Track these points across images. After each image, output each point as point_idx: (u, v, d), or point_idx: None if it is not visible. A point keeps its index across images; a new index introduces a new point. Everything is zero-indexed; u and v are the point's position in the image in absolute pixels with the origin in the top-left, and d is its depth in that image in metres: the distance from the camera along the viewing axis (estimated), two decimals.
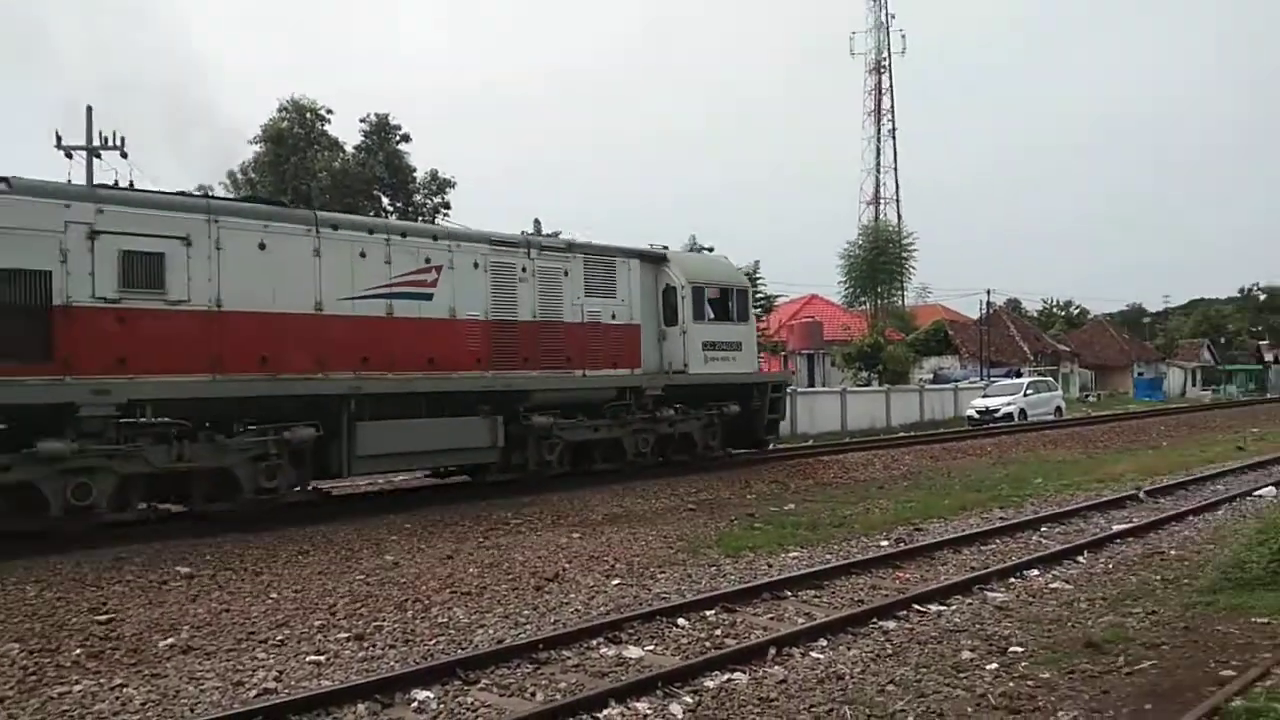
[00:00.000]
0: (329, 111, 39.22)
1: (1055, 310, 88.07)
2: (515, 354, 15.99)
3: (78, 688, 6.63)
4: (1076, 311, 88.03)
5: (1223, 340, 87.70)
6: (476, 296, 15.57)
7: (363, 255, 14.21)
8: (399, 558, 11.04)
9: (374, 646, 7.66)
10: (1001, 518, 13.75)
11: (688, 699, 6.38)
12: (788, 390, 25.31)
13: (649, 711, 6.18)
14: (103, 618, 8.44)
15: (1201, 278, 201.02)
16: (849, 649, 7.50)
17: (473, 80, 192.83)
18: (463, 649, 7.52)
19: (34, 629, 8.12)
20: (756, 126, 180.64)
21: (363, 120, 39.70)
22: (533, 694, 6.53)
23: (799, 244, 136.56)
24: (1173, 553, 11.08)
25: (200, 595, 9.31)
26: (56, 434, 11.25)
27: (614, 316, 17.62)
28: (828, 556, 11.10)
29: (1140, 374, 68.11)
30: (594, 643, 7.63)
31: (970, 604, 8.91)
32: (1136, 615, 8.31)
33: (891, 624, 8.20)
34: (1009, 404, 35.84)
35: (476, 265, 15.61)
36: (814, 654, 7.37)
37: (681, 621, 8.25)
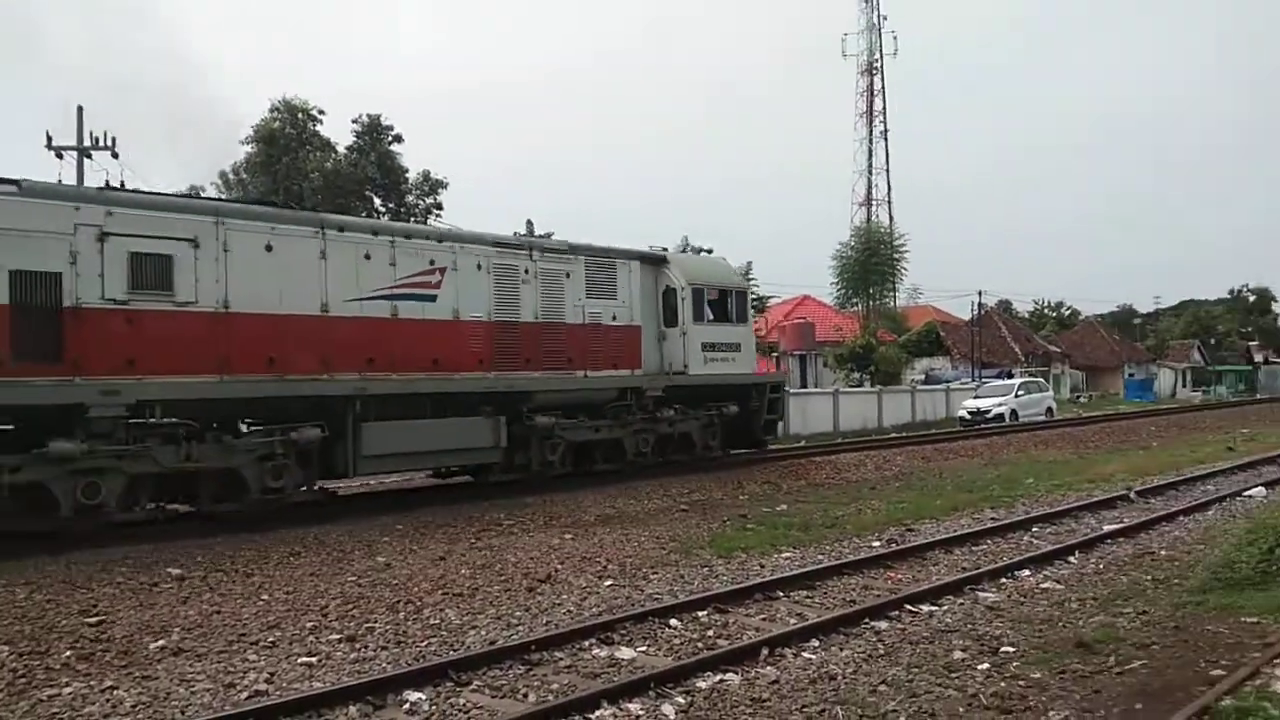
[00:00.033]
0: (321, 112, 38.43)
1: (1046, 311, 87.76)
2: (518, 355, 15.85)
3: (68, 690, 6.49)
4: (1068, 313, 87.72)
5: (1213, 341, 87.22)
6: (480, 298, 15.42)
7: (368, 257, 14.08)
8: (391, 559, 10.84)
9: (366, 648, 7.50)
10: (993, 518, 13.57)
11: (680, 699, 6.27)
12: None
13: (641, 712, 6.06)
14: (93, 620, 8.25)
15: (1202, 278, 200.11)
16: (841, 649, 7.39)
17: (473, 80, 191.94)
18: (455, 650, 7.37)
19: (24, 631, 7.92)
20: (755, 126, 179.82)
21: (355, 121, 38.92)
22: (525, 695, 6.41)
23: (792, 245, 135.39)
24: (1163, 553, 10.93)
25: (191, 597, 9.11)
26: (66, 434, 11.12)
27: (615, 318, 17.46)
28: (820, 557, 10.94)
29: (1131, 375, 67.69)
30: (586, 644, 7.49)
31: (962, 604, 8.78)
32: (1127, 615, 8.20)
33: (883, 624, 8.07)
34: (1000, 405, 35.53)
35: (479, 267, 15.47)
36: (806, 654, 7.25)
37: (674, 622, 8.10)
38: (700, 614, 8.35)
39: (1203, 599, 8.56)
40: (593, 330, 17.01)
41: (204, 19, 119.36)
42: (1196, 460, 20.76)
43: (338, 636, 7.78)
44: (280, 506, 12.98)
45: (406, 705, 6.19)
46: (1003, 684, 6.48)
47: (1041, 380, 45.25)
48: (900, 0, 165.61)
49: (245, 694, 6.42)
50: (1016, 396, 36.73)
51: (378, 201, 39.00)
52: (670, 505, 14.89)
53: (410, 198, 39.57)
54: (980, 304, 55.93)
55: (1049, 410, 38.48)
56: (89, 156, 27.77)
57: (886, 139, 63.44)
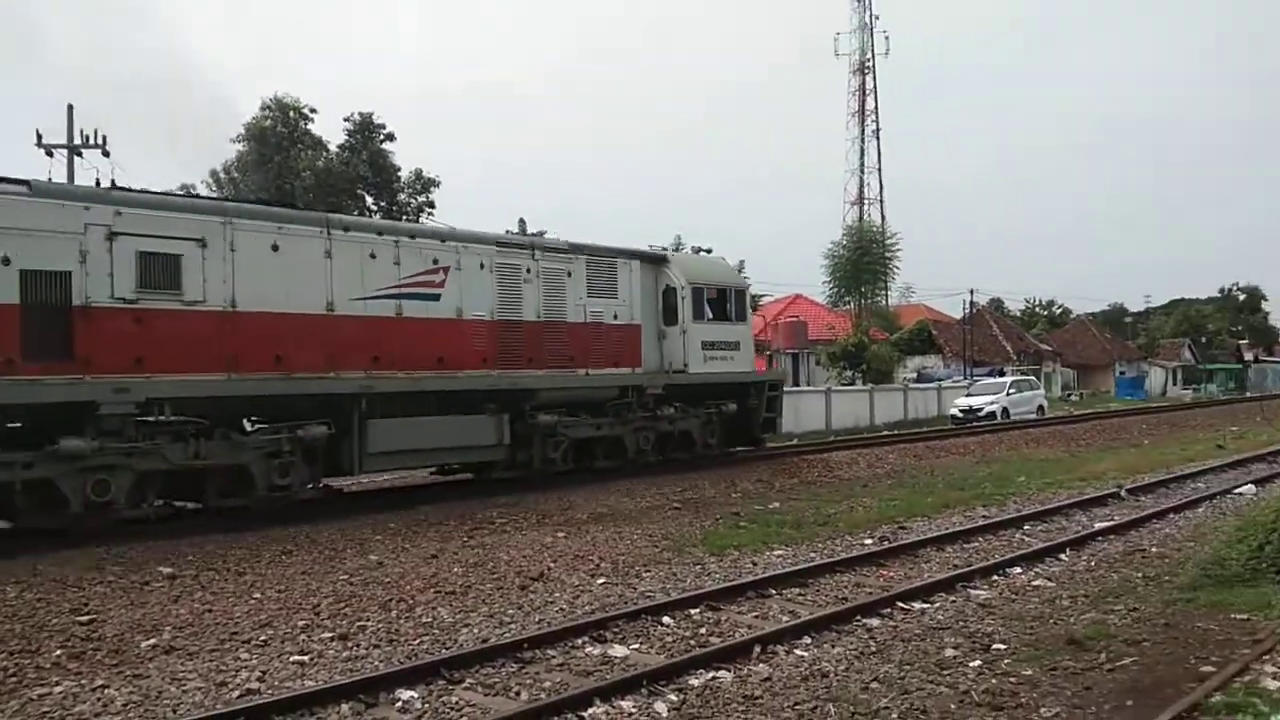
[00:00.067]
0: (312, 110, 37.83)
1: (1038, 310, 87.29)
2: (520, 354, 15.70)
3: (58, 689, 6.31)
4: (1059, 311, 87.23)
5: (1203, 340, 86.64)
6: (483, 297, 15.26)
7: (373, 256, 13.94)
8: (383, 557, 10.61)
9: (358, 646, 7.32)
10: (984, 516, 13.36)
11: (673, 697, 6.12)
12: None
13: (634, 710, 5.91)
14: (84, 618, 8.05)
15: (1202, 278, 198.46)
16: (833, 647, 7.23)
17: (473, 80, 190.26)
18: (447, 648, 7.19)
19: (14, 630, 7.72)
20: (755, 126, 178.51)
21: (346, 119, 38.27)
22: (517, 693, 6.25)
23: (785, 244, 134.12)
24: (1154, 550, 10.76)
25: (183, 595, 8.90)
26: (77, 432, 10.98)
27: (615, 317, 17.30)
28: (812, 555, 10.75)
29: (1122, 373, 67.35)
30: (579, 642, 7.31)
31: (953, 601, 8.61)
32: (1118, 612, 8.05)
33: (875, 622, 7.90)
34: (992, 403, 35.30)
35: (482, 266, 15.32)
36: (798, 652, 7.09)
37: (666, 620, 7.93)
38: (693, 612, 8.18)
39: (1193, 596, 8.42)
40: (594, 329, 16.86)
41: (204, 19, 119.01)
42: (1187, 458, 20.51)
43: (330, 635, 7.60)
44: (287, 503, 12.83)
45: (399, 703, 6.02)
46: (994, 681, 6.36)
47: (1033, 378, 45.02)
48: (900, 0, 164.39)
49: (237, 692, 6.25)
50: (1008, 395, 36.51)
51: (369, 200, 38.39)
52: (663, 503, 14.64)
53: (402, 196, 39.00)
54: (972, 303, 55.55)
55: (1040, 408, 38.27)
56: (79, 155, 27.08)
57: (879, 138, 62.60)
